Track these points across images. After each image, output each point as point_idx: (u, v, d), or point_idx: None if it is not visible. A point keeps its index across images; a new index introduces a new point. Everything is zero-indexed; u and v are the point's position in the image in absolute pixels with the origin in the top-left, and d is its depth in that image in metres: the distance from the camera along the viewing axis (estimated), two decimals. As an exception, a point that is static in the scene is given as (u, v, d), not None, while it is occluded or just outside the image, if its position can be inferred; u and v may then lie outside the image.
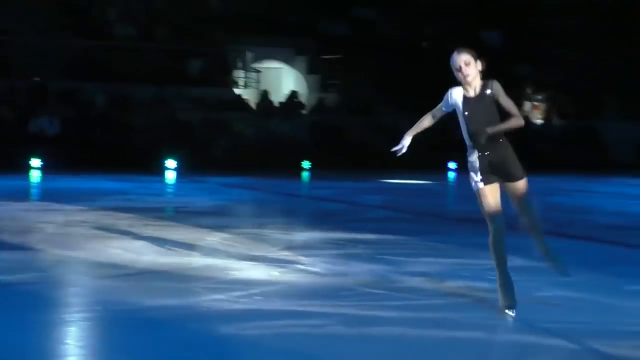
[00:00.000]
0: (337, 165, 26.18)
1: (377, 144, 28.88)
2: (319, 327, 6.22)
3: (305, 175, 26.00)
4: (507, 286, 6.72)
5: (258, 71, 32.16)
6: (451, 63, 6.79)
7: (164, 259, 9.33)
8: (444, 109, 6.93)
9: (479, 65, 6.77)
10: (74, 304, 7.32)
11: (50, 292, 7.65)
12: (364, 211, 16.25)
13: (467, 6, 35.66)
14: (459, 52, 6.75)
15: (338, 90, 32.33)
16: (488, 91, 6.74)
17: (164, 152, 24.72)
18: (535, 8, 36.56)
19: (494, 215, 6.73)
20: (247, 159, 26.02)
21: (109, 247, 10.11)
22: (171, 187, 21.64)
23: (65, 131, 25.48)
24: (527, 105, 34.23)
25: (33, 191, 19.42)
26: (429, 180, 23.43)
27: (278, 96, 30.95)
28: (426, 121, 7.04)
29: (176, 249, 10.05)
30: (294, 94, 30.75)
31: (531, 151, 22.20)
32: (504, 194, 6.81)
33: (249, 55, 32.13)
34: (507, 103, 6.74)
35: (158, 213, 14.26)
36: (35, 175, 22.15)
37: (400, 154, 7.10)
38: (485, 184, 6.74)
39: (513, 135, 6.79)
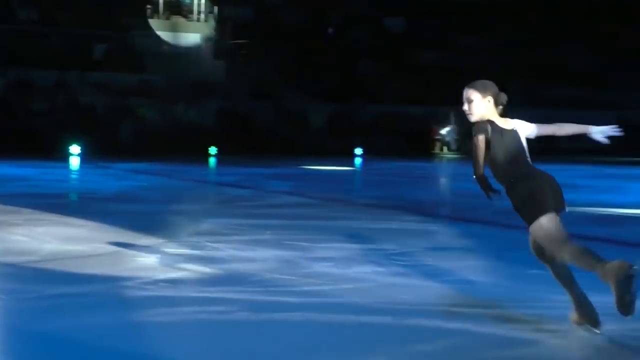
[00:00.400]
0: (243, 151, 26.17)
1: (283, 130, 28.98)
2: (225, 314, 6.21)
3: (211, 161, 25.89)
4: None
5: (165, 56, 31.95)
6: None
7: (67, 246, 9.21)
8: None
9: (490, 101, 5.80)
10: (-25, 292, 7.18)
11: (-50, 281, 7.50)
12: (271, 197, 16.27)
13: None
14: (467, 86, 5.88)
15: (244, 76, 32.33)
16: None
17: (67, 137, 24.39)
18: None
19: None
20: (153, 145, 25.84)
21: (11, 234, 9.97)
22: (75, 173, 21.34)
23: (-36, 117, 25.00)
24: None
25: None
26: (336, 166, 23.54)
27: (185, 82, 30.78)
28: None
29: (80, 236, 9.93)
30: (200, 80, 30.64)
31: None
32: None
33: (155, 39, 31.88)
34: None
35: (62, 199, 14.07)
36: None
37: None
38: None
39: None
